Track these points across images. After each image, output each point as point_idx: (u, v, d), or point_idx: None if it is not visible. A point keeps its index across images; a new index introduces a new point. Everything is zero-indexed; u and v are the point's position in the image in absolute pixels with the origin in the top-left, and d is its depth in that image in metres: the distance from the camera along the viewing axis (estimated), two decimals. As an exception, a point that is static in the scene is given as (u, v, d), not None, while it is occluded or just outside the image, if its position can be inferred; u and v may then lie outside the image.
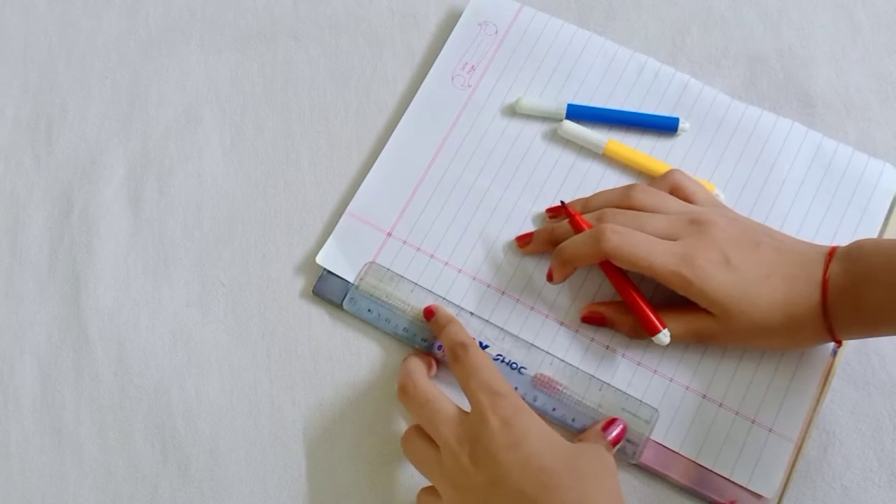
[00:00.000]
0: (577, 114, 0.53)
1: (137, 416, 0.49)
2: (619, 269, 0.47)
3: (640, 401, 0.47)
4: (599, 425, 0.46)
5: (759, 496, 0.46)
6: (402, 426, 0.48)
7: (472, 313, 0.49)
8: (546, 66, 0.54)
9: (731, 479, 0.46)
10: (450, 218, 0.51)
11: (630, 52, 0.54)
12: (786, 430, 0.47)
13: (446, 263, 0.50)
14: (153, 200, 0.54)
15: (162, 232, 0.53)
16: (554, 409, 0.47)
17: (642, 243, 0.45)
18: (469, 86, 0.54)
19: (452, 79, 0.54)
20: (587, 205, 0.50)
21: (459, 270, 0.50)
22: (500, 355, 0.48)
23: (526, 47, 0.55)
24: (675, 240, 0.45)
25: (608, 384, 0.47)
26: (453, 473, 0.41)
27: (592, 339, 0.49)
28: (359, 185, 0.52)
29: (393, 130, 0.53)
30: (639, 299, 0.46)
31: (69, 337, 0.51)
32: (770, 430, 0.47)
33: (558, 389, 0.47)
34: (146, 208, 0.53)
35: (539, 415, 0.43)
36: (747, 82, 0.55)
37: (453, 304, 0.49)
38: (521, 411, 0.41)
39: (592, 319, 0.49)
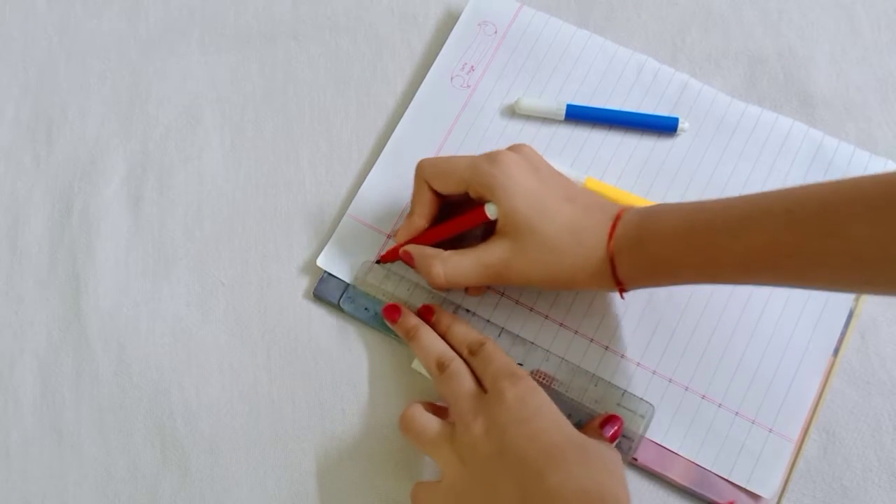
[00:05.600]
0: (577, 114, 0.52)
1: (137, 416, 0.49)
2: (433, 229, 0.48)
3: (636, 396, 0.47)
4: (596, 422, 0.46)
5: (757, 497, 0.46)
6: (402, 426, 0.48)
7: (468, 311, 0.49)
8: (546, 65, 0.54)
9: (730, 479, 0.46)
10: None
11: (630, 52, 0.54)
12: (786, 431, 0.47)
13: None
14: (153, 200, 0.54)
15: (162, 232, 0.53)
16: None
17: (453, 157, 0.47)
18: (468, 86, 0.54)
19: (452, 79, 0.54)
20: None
21: None
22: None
23: (525, 47, 0.55)
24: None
25: (603, 380, 0.48)
26: (462, 444, 0.42)
27: (592, 340, 0.49)
28: (359, 186, 0.52)
29: (393, 131, 0.53)
30: (453, 222, 0.47)
31: (69, 337, 0.51)
32: (770, 431, 0.47)
33: (554, 387, 0.47)
34: (146, 208, 0.53)
35: None
36: (747, 82, 0.55)
37: (452, 303, 0.49)
38: (536, 392, 0.43)
39: (404, 258, 0.49)
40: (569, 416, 0.47)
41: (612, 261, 0.43)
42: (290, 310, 0.51)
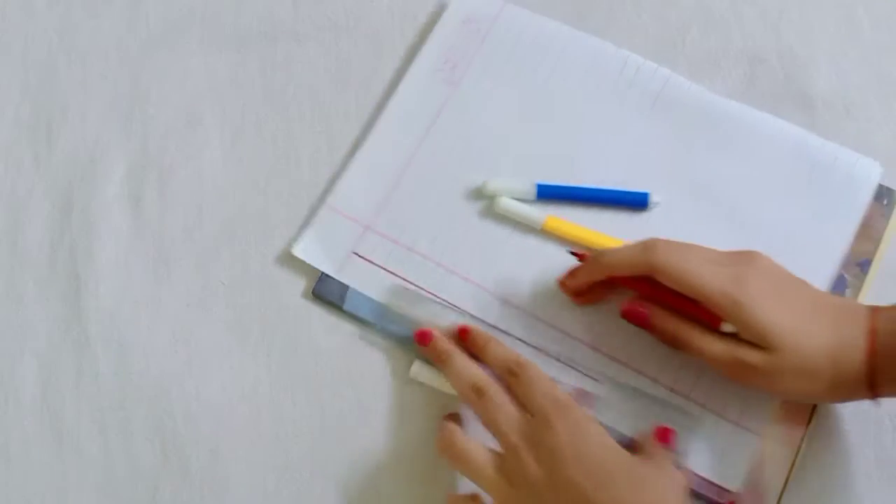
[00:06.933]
0: (548, 194, 0.51)
1: (137, 417, 0.49)
2: (659, 285, 0.45)
3: (680, 408, 0.47)
4: (651, 435, 0.45)
5: (756, 497, 0.46)
6: (403, 425, 0.48)
7: (503, 331, 0.49)
8: (529, 62, 0.54)
9: (694, 470, 0.46)
10: (428, 212, 0.52)
11: (613, 48, 0.54)
12: (751, 424, 0.47)
13: (424, 256, 0.51)
14: (153, 200, 0.54)
15: (162, 232, 0.53)
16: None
17: (692, 260, 0.43)
18: (452, 82, 0.54)
19: (435, 74, 0.54)
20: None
21: (438, 264, 0.51)
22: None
23: (509, 44, 0.55)
24: (723, 266, 0.44)
25: (646, 393, 0.47)
26: (513, 471, 0.42)
27: (625, 364, 0.48)
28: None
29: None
30: (690, 303, 0.44)
31: (69, 337, 0.51)
32: (736, 424, 0.47)
33: (594, 404, 0.47)
34: (146, 208, 0.53)
35: None
36: (747, 82, 0.55)
37: (485, 322, 0.49)
38: (586, 420, 0.42)
39: (636, 314, 0.47)
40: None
41: (871, 376, 0.41)
42: (290, 310, 0.51)
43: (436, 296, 0.50)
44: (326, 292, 0.50)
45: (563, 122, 0.53)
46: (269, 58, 0.57)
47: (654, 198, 0.51)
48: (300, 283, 0.51)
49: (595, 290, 0.48)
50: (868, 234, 0.50)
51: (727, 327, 0.43)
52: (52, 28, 0.58)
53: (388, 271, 0.50)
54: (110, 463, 0.49)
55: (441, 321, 0.49)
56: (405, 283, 0.50)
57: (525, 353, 0.48)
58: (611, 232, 0.51)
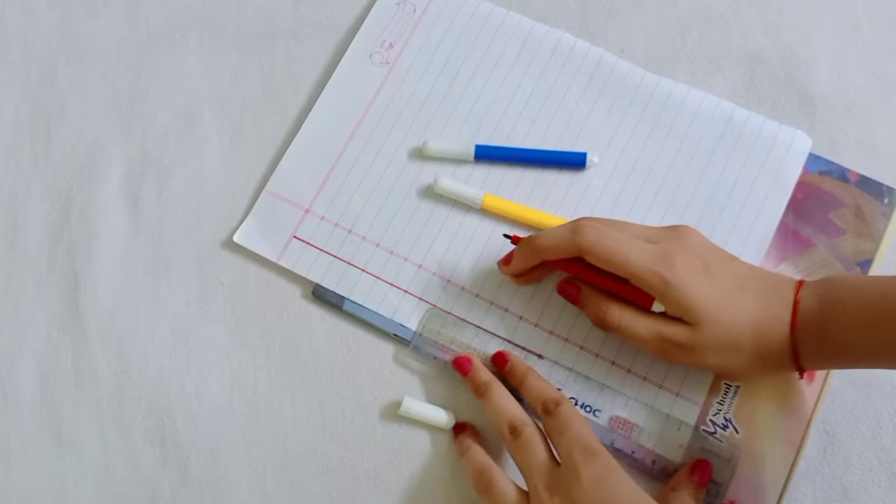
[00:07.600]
0: (486, 154, 0.52)
1: (137, 416, 0.49)
2: (593, 267, 0.45)
3: (720, 440, 0.47)
4: (686, 469, 0.45)
5: (756, 495, 0.46)
6: (401, 425, 0.48)
7: (540, 356, 0.49)
8: (463, 43, 0.55)
9: (639, 441, 0.46)
10: (367, 193, 0.52)
11: (546, 28, 0.55)
12: (691, 395, 0.47)
13: (364, 238, 0.51)
14: (153, 200, 0.54)
15: (161, 232, 0.53)
16: (633, 453, 0.47)
17: (621, 240, 0.44)
18: (387, 63, 0.55)
19: (371, 56, 0.55)
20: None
21: (377, 245, 0.51)
22: (574, 398, 0.47)
23: (443, 25, 0.55)
24: (652, 243, 0.44)
25: (686, 423, 0.47)
26: None
27: (661, 386, 0.48)
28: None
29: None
30: (622, 283, 0.45)
31: (69, 336, 0.51)
32: (676, 395, 0.48)
33: (635, 433, 0.47)
34: (146, 208, 0.53)
35: (617, 458, 0.43)
36: (747, 82, 0.55)
37: (524, 349, 0.49)
38: (613, 471, 0.41)
39: (568, 291, 0.47)
40: (653, 463, 0.46)
41: (794, 350, 0.42)
42: (289, 310, 0.51)
43: (379, 277, 0.50)
44: (326, 292, 0.50)
45: (499, 98, 0.54)
46: (269, 58, 0.57)
47: (591, 158, 0.51)
48: (300, 283, 0.51)
49: (532, 271, 0.48)
50: (868, 233, 0.50)
51: (658, 307, 0.44)
52: (52, 28, 0.58)
53: (329, 254, 0.51)
54: (110, 463, 0.49)
55: (477, 344, 0.49)
56: (348, 265, 0.50)
57: (469, 332, 0.48)
58: (549, 198, 0.51)
